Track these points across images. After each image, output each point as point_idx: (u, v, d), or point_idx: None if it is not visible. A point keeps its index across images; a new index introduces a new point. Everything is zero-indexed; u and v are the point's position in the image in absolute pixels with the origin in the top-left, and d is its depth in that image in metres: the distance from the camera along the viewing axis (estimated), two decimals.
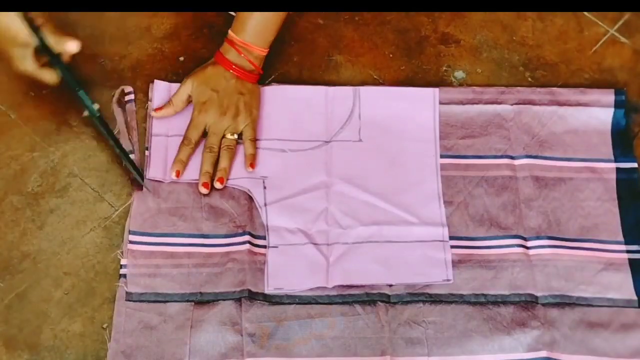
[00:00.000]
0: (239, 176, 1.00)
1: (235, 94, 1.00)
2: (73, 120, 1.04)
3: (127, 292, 0.92)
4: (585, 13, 1.13)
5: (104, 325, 0.92)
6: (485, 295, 0.94)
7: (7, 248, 0.96)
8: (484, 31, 1.13)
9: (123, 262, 0.94)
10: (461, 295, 0.94)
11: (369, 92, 1.06)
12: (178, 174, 0.98)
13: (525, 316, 0.92)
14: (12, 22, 0.88)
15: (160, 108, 1.02)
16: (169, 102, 1.02)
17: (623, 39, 1.13)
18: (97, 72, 1.07)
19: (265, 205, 0.98)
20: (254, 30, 1.00)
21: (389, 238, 0.97)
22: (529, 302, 0.93)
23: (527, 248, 0.97)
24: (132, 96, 1.04)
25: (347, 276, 0.95)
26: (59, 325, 0.92)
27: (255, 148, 1.00)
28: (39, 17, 0.91)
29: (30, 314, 0.92)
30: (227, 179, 0.99)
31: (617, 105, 1.05)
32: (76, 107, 0.96)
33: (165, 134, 1.02)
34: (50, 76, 0.95)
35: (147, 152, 1.01)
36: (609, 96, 1.06)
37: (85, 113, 0.95)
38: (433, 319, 0.92)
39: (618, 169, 1.02)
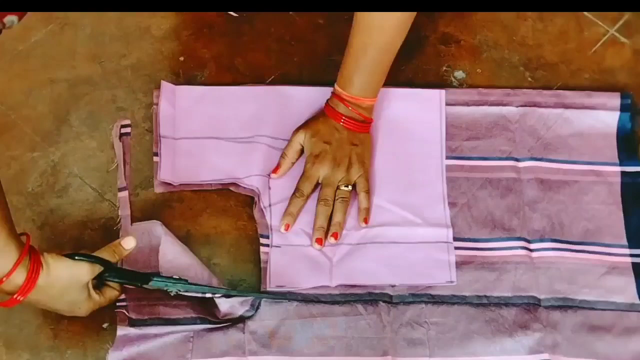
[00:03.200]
0: (247, 174, 0.99)
1: (348, 146, 0.98)
2: (73, 120, 1.04)
3: (130, 319, 0.89)
4: (585, 13, 1.13)
5: (104, 325, 0.92)
6: (487, 297, 0.94)
7: None
8: (484, 31, 1.13)
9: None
10: (464, 297, 0.94)
11: None
12: (288, 228, 0.96)
13: (527, 318, 0.92)
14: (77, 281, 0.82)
15: (277, 168, 0.99)
16: (282, 156, 1.00)
17: (623, 39, 1.12)
18: (97, 72, 1.07)
19: (270, 205, 0.98)
20: (361, 84, 0.97)
21: (393, 239, 0.97)
22: (531, 305, 0.93)
23: (531, 250, 0.97)
24: (129, 129, 1.03)
25: (350, 276, 0.95)
26: (59, 325, 0.92)
27: (369, 201, 0.98)
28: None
29: (30, 314, 0.92)
30: (341, 234, 0.96)
31: (623, 108, 1.05)
32: None
33: (172, 136, 1.02)
34: (113, 293, 0.88)
35: (155, 158, 1.00)
36: (614, 99, 1.06)
37: (173, 292, 0.88)
38: (435, 319, 0.92)
39: (623, 173, 1.02)
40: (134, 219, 0.98)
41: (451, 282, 0.95)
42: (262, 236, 0.97)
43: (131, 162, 1.01)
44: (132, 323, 0.89)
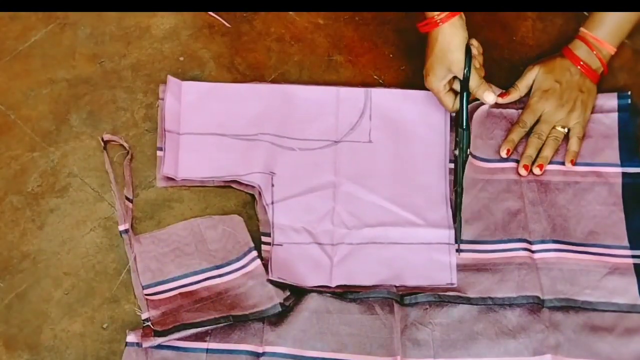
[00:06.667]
0: (250, 171, 1.00)
1: (576, 90, 1.02)
2: (73, 120, 1.04)
3: (155, 331, 0.88)
4: (585, 13, 1.13)
5: (104, 325, 0.92)
6: (492, 299, 0.94)
7: (7, 248, 0.96)
8: (484, 31, 1.13)
9: (143, 316, 0.91)
10: (468, 299, 0.94)
11: (380, 94, 1.06)
12: (509, 152, 1.02)
13: (530, 320, 0.92)
14: (458, 51, 0.97)
15: (506, 94, 1.04)
16: (514, 87, 1.05)
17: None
18: (97, 72, 1.07)
19: (272, 203, 0.98)
20: (609, 28, 1.02)
21: (394, 240, 0.97)
22: (535, 305, 0.93)
23: (532, 252, 0.97)
24: (129, 155, 1.02)
25: (351, 277, 0.95)
26: (59, 325, 0.92)
27: (580, 146, 1.03)
28: (476, 48, 0.99)
29: (30, 314, 0.92)
30: (545, 168, 1.01)
31: (621, 109, 1.05)
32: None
33: (177, 131, 1.02)
34: (449, 102, 1.01)
35: (159, 152, 1.01)
36: (612, 100, 1.06)
37: (456, 151, 1.00)
38: (439, 320, 0.92)
39: (624, 174, 1.02)
40: (134, 219, 0.98)
41: (451, 284, 0.95)
42: (264, 234, 0.97)
43: (132, 163, 1.01)
44: (157, 334, 0.89)
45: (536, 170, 1.01)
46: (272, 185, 0.99)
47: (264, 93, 1.05)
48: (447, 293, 0.94)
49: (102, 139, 1.02)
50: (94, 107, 1.05)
